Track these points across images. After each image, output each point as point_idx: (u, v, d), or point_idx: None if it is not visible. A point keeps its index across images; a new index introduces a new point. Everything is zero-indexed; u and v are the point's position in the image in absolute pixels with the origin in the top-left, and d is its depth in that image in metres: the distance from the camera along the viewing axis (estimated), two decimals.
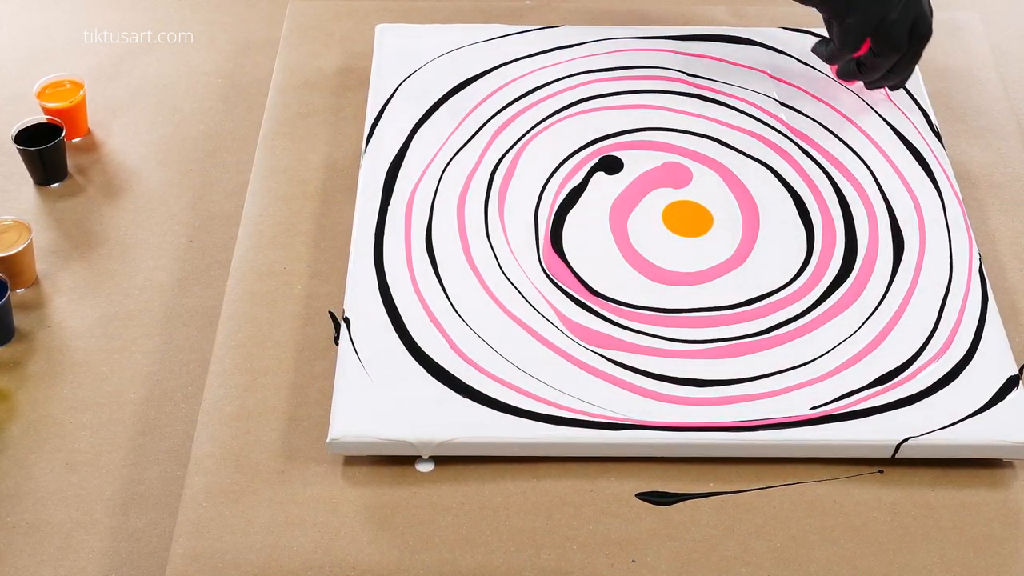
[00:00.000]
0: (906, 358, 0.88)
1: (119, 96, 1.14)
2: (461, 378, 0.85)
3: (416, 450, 0.82)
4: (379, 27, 1.12)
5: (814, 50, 1.05)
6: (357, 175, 1.00)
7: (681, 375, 0.86)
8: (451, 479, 0.83)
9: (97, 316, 0.96)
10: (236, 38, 1.21)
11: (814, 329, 0.89)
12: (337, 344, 0.89)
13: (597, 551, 0.79)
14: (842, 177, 1.00)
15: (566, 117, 1.04)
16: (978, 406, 0.85)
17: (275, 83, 1.10)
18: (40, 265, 1.00)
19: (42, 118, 1.06)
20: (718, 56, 1.10)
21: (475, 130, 1.03)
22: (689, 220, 0.97)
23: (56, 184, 1.06)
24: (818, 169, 1.01)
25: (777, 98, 1.07)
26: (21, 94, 1.12)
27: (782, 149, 1.02)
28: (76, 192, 1.06)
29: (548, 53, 1.10)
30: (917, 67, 1.10)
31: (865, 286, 0.92)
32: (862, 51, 1.01)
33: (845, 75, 1.04)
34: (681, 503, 0.82)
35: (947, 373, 0.87)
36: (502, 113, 1.04)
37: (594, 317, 0.90)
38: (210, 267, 1.00)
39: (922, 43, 1.00)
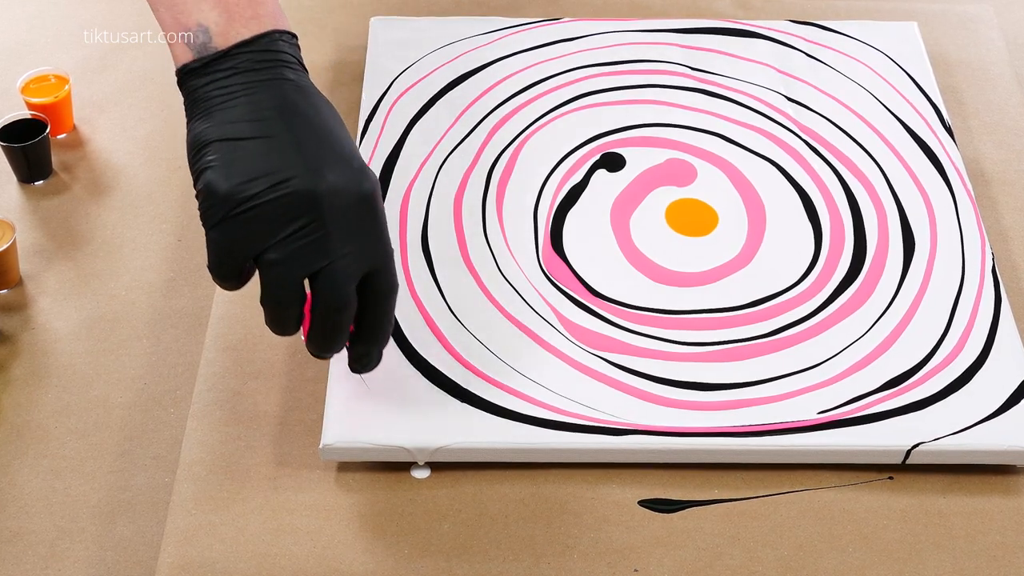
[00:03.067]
0: (917, 361, 0.88)
1: (106, 91, 1.14)
2: (458, 382, 0.85)
3: (412, 456, 0.82)
4: (374, 20, 1.12)
5: None
6: None
7: (685, 379, 0.86)
8: (448, 486, 0.83)
9: (83, 318, 0.96)
10: None
11: (822, 331, 0.89)
12: None
13: (598, 560, 0.80)
14: (851, 175, 1.00)
15: (566, 113, 1.05)
16: (991, 410, 0.85)
17: None
18: (24, 265, 1.00)
19: (26, 114, 1.06)
20: (723, 50, 1.10)
21: (472, 126, 1.03)
22: (693, 219, 0.97)
23: (40, 182, 1.06)
24: (826, 166, 1.01)
25: (784, 93, 1.07)
26: (4, 89, 1.12)
27: (789, 146, 1.02)
28: (61, 190, 1.06)
29: (548, 47, 1.10)
30: (928, 60, 1.10)
31: (875, 287, 0.92)
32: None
33: (266, 321, 0.77)
34: (685, 510, 0.82)
35: (959, 376, 0.87)
36: (500, 108, 1.04)
37: (595, 319, 0.90)
38: (200, 267, 1.00)
39: (333, 311, 0.74)
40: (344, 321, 0.76)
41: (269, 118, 0.73)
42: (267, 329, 0.90)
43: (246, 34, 0.75)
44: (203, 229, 0.74)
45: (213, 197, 0.72)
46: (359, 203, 0.73)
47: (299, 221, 0.72)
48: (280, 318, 0.76)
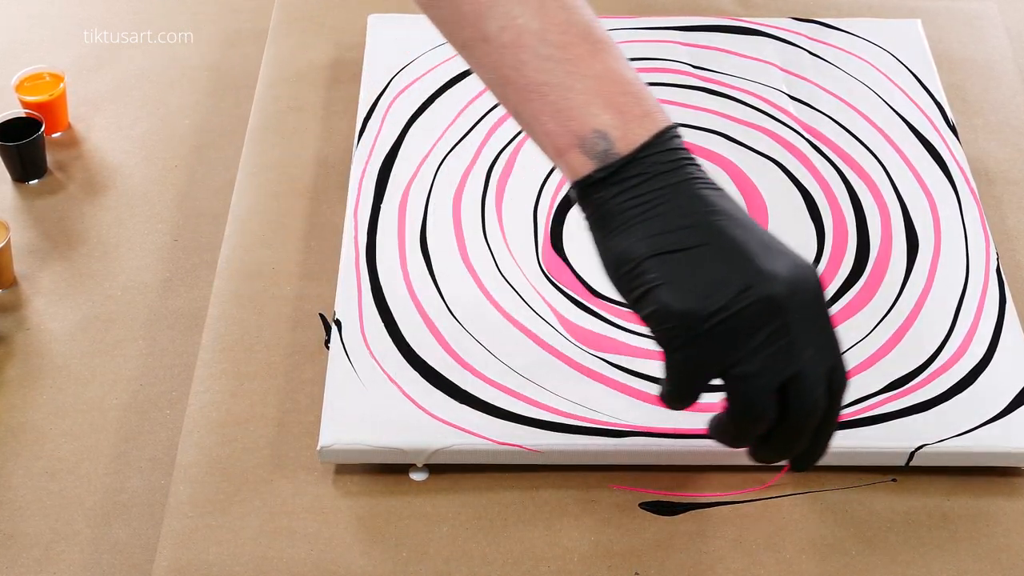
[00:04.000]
0: (921, 362, 0.88)
1: (101, 89, 1.14)
2: (457, 383, 0.85)
3: (410, 458, 0.82)
4: (372, 17, 1.12)
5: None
6: (349, 171, 1.00)
7: None
8: (446, 488, 0.83)
9: (78, 318, 0.96)
10: (223, 29, 1.21)
11: None
12: (328, 347, 0.89)
13: (599, 563, 0.79)
14: (854, 174, 1.00)
15: None
16: (996, 412, 0.85)
17: (264, 76, 1.10)
18: (18, 265, 1.00)
19: (20, 112, 1.06)
20: (725, 48, 1.10)
21: (472, 124, 1.03)
22: None
23: (35, 181, 1.06)
24: (829, 165, 1.01)
25: (786, 91, 1.07)
26: None
27: (791, 144, 1.02)
28: (56, 189, 1.06)
29: None
30: (932, 58, 1.10)
31: (878, 287, 0.92)
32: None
33: (714, 432, 0.74)
34: (687, 513, 0.82)
35: (963, 378, 0.87)
36: (500, 107, 1.04)
37: (596, 319, 0.90)
38: (196, 267, 1.00)
39: (804, 417, 0.70)
40: (812, 425, 0.70)
41: (699, 224, 0.68)
42: (264, 330, 0.91)
43: (644, 135, 0.69)
44: (662, 348, 0.70)
45: (673, 318, 0.67)
46: (814, 300, 0.69)
47: (766, 329, 0.67)
48: (747, 432, 0.71)
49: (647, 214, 0.69)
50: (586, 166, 0.69)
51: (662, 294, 0.68)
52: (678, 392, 0.71)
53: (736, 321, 0.67)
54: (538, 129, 0.71)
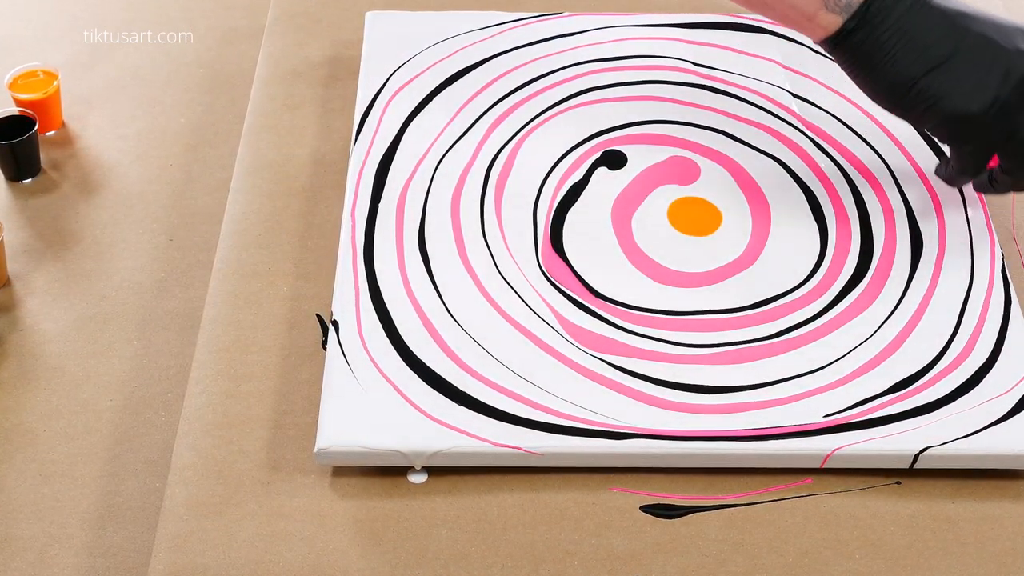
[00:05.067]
0: (925, 363, 0.88)
1: (95, 87, 1.15)
2: (456, 384, 0.85)
3: (408, 460, 0.83)
4: (369, 14, 1.12)
5: (936, 173, 0.97)
6: (346, 170, 1.00)
7: (688, 381, 0.86)
8: (445, 491, 0.83)
9: (72, 319, 0.96)
10: (219, 26, 1.21)
11: (828, 333, 0.90)
12: (325, 348, 0.89)
13: (599, 567, 0.80)
14: (857, 173, 1.00)
15: (567, 109, 1.05)
16: (1001, 414, 0.85)
17: (260, 74, 1.11)
18: (12, 265, 1.00)
19: (14, 110, 1.06)
20: (727, 45, 1.10)
21: (470, 123, 1.03)
22: (696, 218, 0.97)
23: (28, 180, 1.06)
24: (832, 164, 1.01)
25: (790, 89, 1.07)
26: None
27: (794, 143, 1.02)
28: (50, 188, 1.06)
29: (548, 42, 1.10)
30: None
31: (882, 287, 0.92)
32: (992, 164, 0.92)
33: (981, 187, 0.94)
34: (688, 516, 0.82)
35: (968, 379, 0.87)
36: (499, 105, 1.04)
37: (596, 320, 0.90)
38: (191, 267, 1.00)
39: None
40: None
41: (948, 33, 0.84)
42: (260, 331, 0.91)
43: None
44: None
45: (959, 122, 0.85)
46: None
47: None
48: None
49: (902, 41, 0.84)
50: (835, 22, 0.86)
51: (944, 105, 0.85)
52: (972, 170, 0.90)
53: (1007, 102, 0.84)
54: (784, 5, 0.87)
